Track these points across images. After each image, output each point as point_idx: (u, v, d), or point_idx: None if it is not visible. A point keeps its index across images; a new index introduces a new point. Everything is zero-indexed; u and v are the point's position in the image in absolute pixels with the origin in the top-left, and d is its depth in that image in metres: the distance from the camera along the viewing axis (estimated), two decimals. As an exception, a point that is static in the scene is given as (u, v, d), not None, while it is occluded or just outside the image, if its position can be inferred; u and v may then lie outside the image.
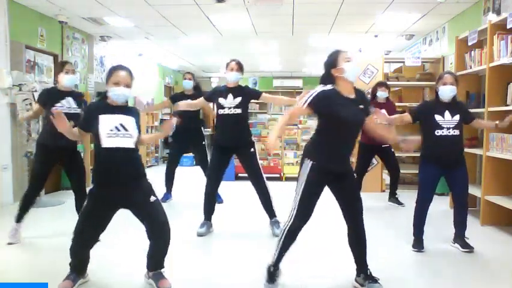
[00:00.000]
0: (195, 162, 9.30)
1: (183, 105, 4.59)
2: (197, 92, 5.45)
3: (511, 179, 4.49)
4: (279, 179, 7.60)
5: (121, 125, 2.68)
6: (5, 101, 5.41)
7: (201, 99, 4.35)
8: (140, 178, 2.78)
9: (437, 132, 3.54)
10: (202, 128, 5.66)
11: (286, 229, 2.76)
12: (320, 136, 2.77)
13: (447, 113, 3.56)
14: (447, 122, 3.54)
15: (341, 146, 2.74)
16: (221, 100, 4.07)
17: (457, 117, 3.56)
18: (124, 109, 2.76)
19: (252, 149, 4.13)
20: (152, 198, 2.76)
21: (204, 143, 5.56)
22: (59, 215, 4.89)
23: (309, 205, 2.73)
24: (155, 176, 7.64)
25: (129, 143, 2.70)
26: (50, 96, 3.89)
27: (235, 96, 4.05)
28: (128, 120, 2.72)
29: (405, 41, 8.17)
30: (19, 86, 5.43)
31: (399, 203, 5.56)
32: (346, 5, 5.86)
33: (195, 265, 3.40)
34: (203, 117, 5.63)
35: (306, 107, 2.69)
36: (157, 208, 2.79)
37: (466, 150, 4.92)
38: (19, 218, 3.88)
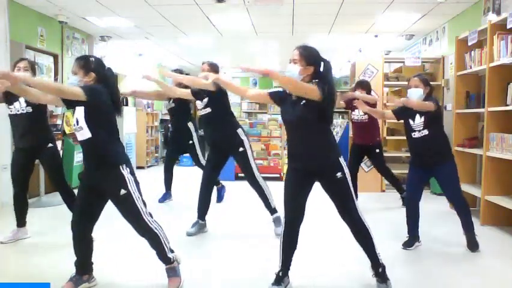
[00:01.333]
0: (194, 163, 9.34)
1: (174, 75, 4.48)
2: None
3: (511, 179, 4.49)
4: (279, 179, 7.59)
5: (76, 119, 2.69)
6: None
7: (188, 91, 4.24)
8: (105, 167, 2.72)
9: (413, 135, 3.68)
10: (191, 126, 5.58)
11: (283, 231, 2.80)
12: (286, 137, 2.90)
13: (417, 116, 3.64)
14: (416, 124, 3.65)
15: (293, 145, 2.79)
16: (198, 103, 4.14)
17: (422, 118, 3.62)
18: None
19: (241, 148, 4.10)
20: (122, 192, 2.70)
21: (191, 141, 5.53)
22: (59, 215, 4.88)
23: (290, 205, 2.76)
24: (155, 176, 7.68)
25: (83, 135, 2.69)
26: (8, 96, 3.82)
27: (205, 97, 4.06)
28: (80, 112, 2.67)
29: (405, 41, 8.17)
30: (19, 86, 5.42)
31: (404, 203, 5.44)
32: (346, 5, 5.86)
33: (195, 265, 3.40)
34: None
35: (266, 94, 2.86)
36: (125, 203, 2.73)
37: (466, 150, 4.94)
38: (18, 222, 3.93)
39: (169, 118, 6.40)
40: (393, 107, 4.14)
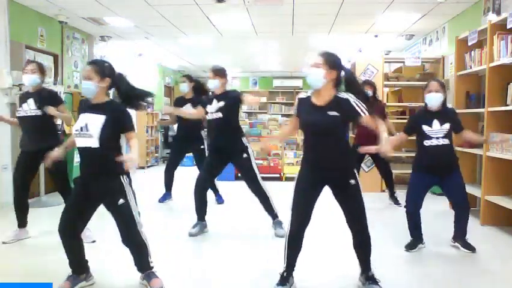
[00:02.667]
0: (194, 162, 9.33)
1: (183, 113, 4.77)
2: (196, 94, 5.37)
3: (511, 179, 4.49)
4: (279, 179, 7.60)
5: (86, 124, 2.66)
6: (5, 101, 5.41)
7: (200, 108, 4.37)
8: (107, 177, 2.71)
9: (426, 143, 3.51)
10: (202, 132, 5.61)
11: (287, 235, 2.78)
12: (303, 143, 2.88)
13: (435, 122, 3.49)
14: (435, 131, 3.49)
15: (313, 153, 2.75)
16: (208, 107, 4.16)
17: (446, 125, 3.49)
18: (98, 107, 2.71)
19: (245, 155, 4.11)
20: (121, 201, 2.70)
21: (202, 147, 5.55)
22: (59, 215, 4.88)
23: (300, 210, 2.74)
24: (155, 176, 7.69)
25: (89, 143, 2.64)
26: (20, 99, 3.93)
27: (218, 101, 4.08)
28: (95, 119, 2.65)
29: (405, 41, 8.17)
30: (19, 86, 5.44)
31: (397, 203, 5.54)
32: (346, 5, 5.86)
33: (195, 265, 3.40)
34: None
35: (294, 118, 2.85)
36: (122, 213, 2.72)
37: (466, 150, 4.94)
38: (19, 223, 3.93)
39: (168, 119, 6.37)
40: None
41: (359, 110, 2.63)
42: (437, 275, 3.22)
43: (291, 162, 7.84)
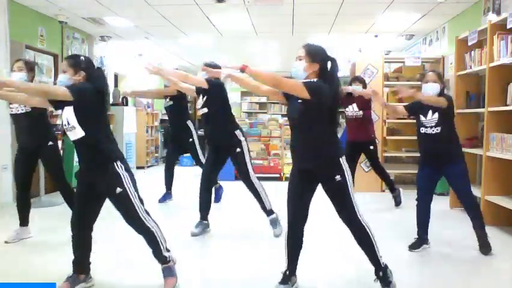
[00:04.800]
0: (194, 162, 9.33)
1: (171, 73, 4.39)
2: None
3: (511, 179, 4.49)
4: (279, 179, 7.59)
5: (67, 119, 2.66)
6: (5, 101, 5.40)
7: (193, 88, 4.27)
8: (100, 166, 2.71)
9: (422, 130, 3.62)
10: (191, 125, 5.57)
11: (286, 232, 2.79)
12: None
13: (429, 112, 3.57)
14: (428, 120, 3.58)
15: (293, 143, 2.76)
16: (198, 101, 4.16)
17: (436, 115, 3.54)
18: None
19: (238, 149, 4.10)
20: (118, 190, 2.69)
21: (191, 139, 5.53)
22: (59, 215, 4.88)
23: (292, 206, 2.74)
24: (155, 176, 7.68)
25: (76, 134, 2.66)
26: None
27: (203, 96, 4.09)
28: (70, 111, 2.65)
29: (405, 41, 8.18)
30: (19, 86, 5.43)
31: (396, 203, 5.46)
32: (346, 5, 5.87)
33: (194, 265, 3.40)
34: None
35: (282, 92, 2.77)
36: (121, 201, 2.72)
37: (466, 150, 4.93)
38: (21, 222, 3.94)
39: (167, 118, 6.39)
40: (406, 99, 4.01)
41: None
42: (437, 275, 3.21)
43: (291, 162, 7.81)
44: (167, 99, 5.56)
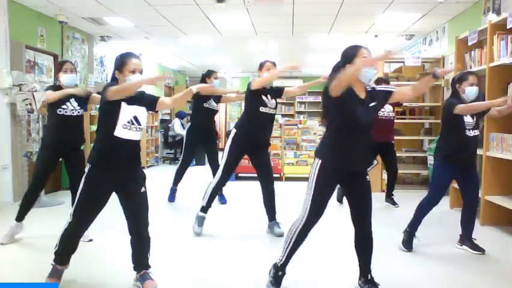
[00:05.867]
0: (194, 162, 9.32)
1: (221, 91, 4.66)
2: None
3: (511, 179, 4.49)
4: (279, 179, 7.59)
5: (135, 117, 2.69)
6: (5, 101, 5.41)
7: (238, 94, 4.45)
8: (138, 164, 2.86)
9: (468, 133, 3.55)
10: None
11: (298, 230, 2.71)
12: (330, 134, 2.70)
13: (469, 115, 3.56)
14: (470, 123, 3.56)
15: (352, 146, 2.65)
16: (264, 98, 4.09)
17: (475, 118, 3.58)
18: (137, 99, 2.76)
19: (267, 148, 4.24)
20: (143, 189, 2.81)
21: (217, 142, 5.57)
22: (59, 215, 4.88)
23: (321, 204, 2.70)
24: (155, 176, 7.69)
25: (139, 136, 2.77)
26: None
27: (272, 98, 4.18)
28: (141, 112, 2.74)
29: (405, 41, 8.17)
30: (19, 86, 5.43)
31: (394, 204, 5.53)
32: (346, 5, 5.87)
33: (194, 265, 3.40)
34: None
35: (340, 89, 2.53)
36: (143, 200, 2.81)
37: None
38: (19, 217, 3.89)
39: (168, 119, 6.38)
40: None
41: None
42: (437, 275, 3.21)
43: (291, 162, 7.83)
44: (210, 101, 5.47)
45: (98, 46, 8.15)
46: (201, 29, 7.41)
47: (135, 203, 2.79)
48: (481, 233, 4.18)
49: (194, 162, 8.68)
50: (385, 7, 6.01)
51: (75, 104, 3.83)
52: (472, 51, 4.93)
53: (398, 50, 9.15)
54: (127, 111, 2.66)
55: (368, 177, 2.74)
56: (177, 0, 5.75)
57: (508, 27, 4.11)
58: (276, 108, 4.17)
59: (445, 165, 3.64)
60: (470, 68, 4.97)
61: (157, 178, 7.44)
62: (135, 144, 2.77)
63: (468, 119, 3.55)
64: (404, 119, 7.15)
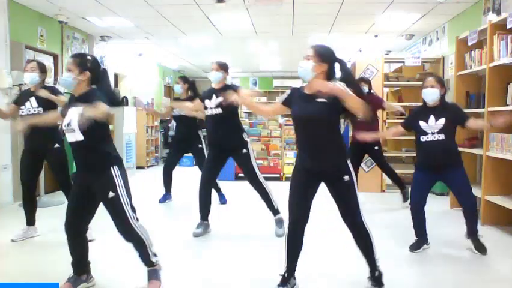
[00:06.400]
0: (194, 162, 9.32)
1: (180, 106, 4.67)
2: (192, 94, 5.42)
3: (511, 179, 4.49)
4: (279, 179, 7.60)
5: (70, 120, 2.62)
6: (5, 101, 5.40)
7: (197, 101, 4.30)
8: (96, 169, 2.67)
9: (422, 138, 3.52)
10: (200, 132, 5.62)
11: (286, 232, 2.75)
12: (296, 138, 2.80)
13: (431, 118, 3.49)
14: (430, 127, 3.48)
15: (303, 144, 2.70)
16: (206, 101, 4.11)
17: (442, 121, 3.46)
18: (79, 99, 2.65)
19: (245, 150, 4.10)
20: (111, 194, 2.64)
21: (200, 146, 5.55)
22: (59, 215, 4.87)
23: (295, 206, 2.70)
24: (155, 176, 7.68)
25: (75, 137, 2.62)
26: (21, 98, 3.94)
27: (217, 96, 4.03)
28: (75, 112, 2.59)
29: (405, 41, 8.18)
30: (19, 86, 5.44)
31: (405, 199, 5.36)
32: (346, 5, 5.87)
33: (194, 266, 3.40)
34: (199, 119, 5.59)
35: (280, 104, 2.78)
36: (113, 206, 2.68)
37: (466, 150, 4.94)
38: (28, 221, 3.98)
39: (168, 119, 6.40)
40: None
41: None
42: (437, 275, 3.21)
43: (291, 162, 7.83)
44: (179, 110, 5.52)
45: (98, 46, 8.15)
46: (200, 29, 7.41)
47: (107, 209, 2.71)
48: (481, 233, 4.16)
49: (194, 162, 8.67)
50: (385, 7, 6.01)
51: (34, 103, 3.82)
52: (472, 51, 4.92)
53: (398, 50, 9.16)
54: (67, 115, 2.66)
55: (345, 177, 2.62)
56: (177, 0, 5.75)
57: (508, 27, 4.11)
58: (219, 107, 4.00)
59: (417, 170, 3.71)
60: (470, 68, 4.97)
61: (157, 178, 7.43)
62: (78, 147, 2.66)
63: (423, 124, 3.51)
64: (404, 119, 7.13)
